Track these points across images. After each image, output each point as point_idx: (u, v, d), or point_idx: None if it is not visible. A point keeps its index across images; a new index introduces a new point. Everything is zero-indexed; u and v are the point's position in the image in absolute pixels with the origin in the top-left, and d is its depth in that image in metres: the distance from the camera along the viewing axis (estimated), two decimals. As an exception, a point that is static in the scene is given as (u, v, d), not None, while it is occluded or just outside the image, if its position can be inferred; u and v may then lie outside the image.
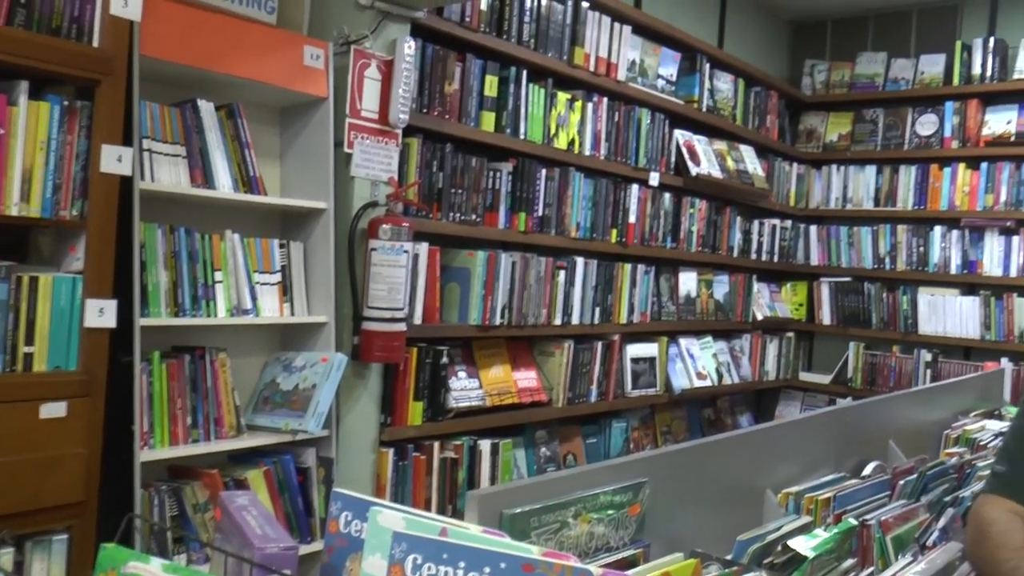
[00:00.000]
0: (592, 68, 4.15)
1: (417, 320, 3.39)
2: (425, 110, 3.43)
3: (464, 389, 3.63)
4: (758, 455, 1.96)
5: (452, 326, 3.60)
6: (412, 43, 3.19)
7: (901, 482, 2.10)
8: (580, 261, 4.12)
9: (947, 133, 5.56)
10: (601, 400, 4.27)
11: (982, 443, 2.69)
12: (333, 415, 3.04)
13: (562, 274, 4.02)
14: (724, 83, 5.21)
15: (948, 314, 5.47)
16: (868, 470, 2.24)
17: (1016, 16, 5.55)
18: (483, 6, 3.61)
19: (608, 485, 1.43)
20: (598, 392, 4.24)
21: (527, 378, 3.93)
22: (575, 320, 4.11)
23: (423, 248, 3.40)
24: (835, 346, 5.95)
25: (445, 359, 3.51)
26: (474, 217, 3.63)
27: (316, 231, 3.11)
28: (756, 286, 5.55)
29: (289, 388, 3.00)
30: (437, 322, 3.53)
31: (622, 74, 4.32)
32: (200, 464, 2.78)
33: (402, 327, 3.14)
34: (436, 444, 3.49)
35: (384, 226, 3.06)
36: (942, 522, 1.98)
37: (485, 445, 3.67)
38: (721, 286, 5.21)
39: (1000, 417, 3.03)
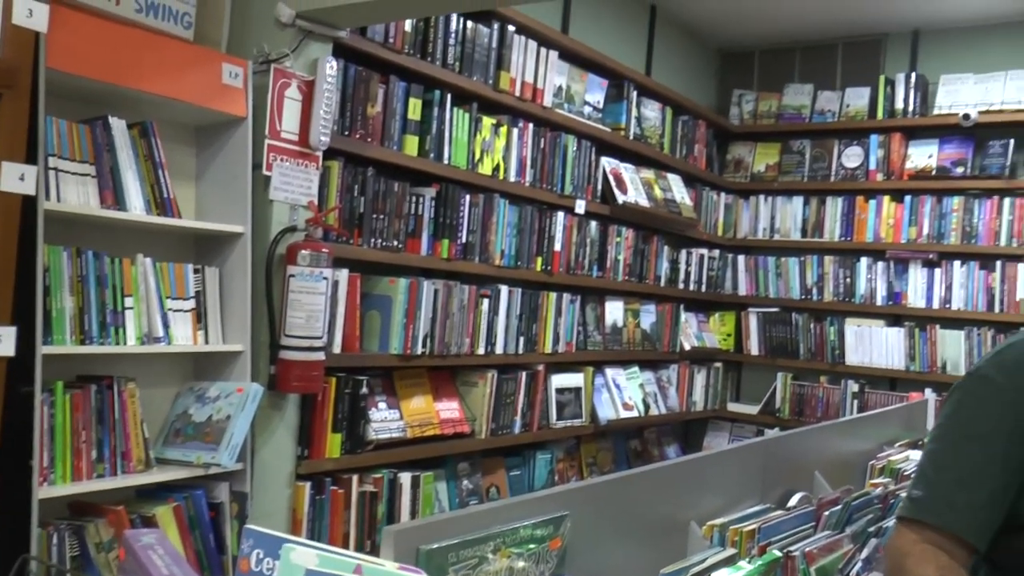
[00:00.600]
0: (518, 93, 4.18)
1: (336, 349, 3.36)
2: (347, 132, 3.42)
3: (384, 420, 3.61)
4: (683, 487, 1.98)
5: (372, 355, 3.57)
6: (334, 63, 3.18)
7: (826, 513, 2.13)
8: (504, 289, 4.13)
9: (872, 166, 5.73)
10: (525, 431, 4.27)
11: (906, 473, 2.76)
12: (248, 448, 2.99)
13: (486, 302, 4.02)
14: (652, 111, 5.30)
15: (874, 345, 5.62)
16: (794, 501, 2.28)
17: (936, 53, 5.76)
18: (407, 27, 3.62)
19: (529, 519, 1.43)
20: (522, 423, 4.24)
21: (449, 409, 3.92)
22: (499, 350, 4.11)
23: (343, 275, 3.38)
24: (763, 376, 6.05)
25: (365, 389, 3.48)
26: (396, 243, 3.62)
27: (232, 256, 3.07)
28: (684, 316, 5.62)
29: (202, 420, 2.94)
30: (357, 351, 3.50)
31: (548, 100, 4.37)
32: (105, 500, 2.70)
33: (320, 356, 3.11)
34: (355, 477, 3.45)
35: (303, 252, 3.04)
36: (865, 552, 2.03)
37: (405, 478, 3.64)
38: (648, 316, 5.27)
39: (923, 447, 3.11)
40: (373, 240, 3.53)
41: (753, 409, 5.98)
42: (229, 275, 3.07)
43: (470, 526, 1.33)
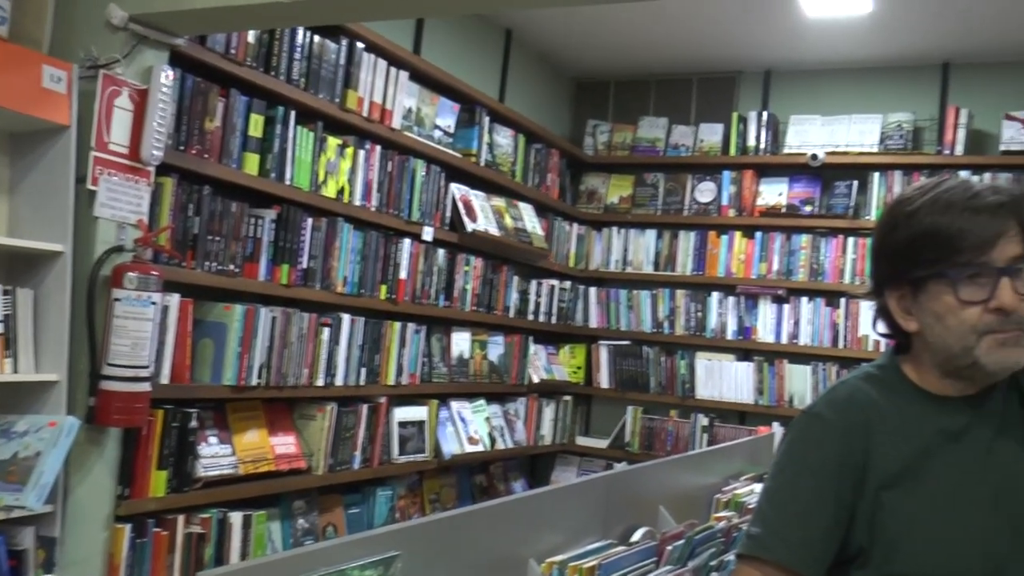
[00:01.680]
0: (366, 113, 4.16)
1: (164, 379, 3.25)
2: (182, 147, 3.32)
3: (215, 456, 3.50)
4: (522, 523, 1.99)
5: (204, 386, 3.47)
6: (170, 72, 3.09)
7: (669, 547, 2.18)
8: (346, 318, 4.09)
9: (725, 201, 5.93)
10: (365, 467, 4.22)
11: (750, 506, 2.83)
12: (60, 487, 2.85)
13: (326, 331, 3.97)
14: (504, 138, 5.35)
15: (724, 379, 5.79)
16: (637, 536, 2.31)
17: (786, 93, 6.03)
18: (251, 38, 3.56)
19: (358, 560, 1.41)
20: (362, 458, 4.19)
21: (285, 443, 3.84)
22: (339, 381, 4.06)
23: (174, 300, 3.27)
24: (613, 410, 6.14)
25: (194, 422, 3.37)
26: (232, 267, 3.54)
27: (50, 277, 2.93)
28: (533, 348, 5.67)
29: (6, 457, 2.79)
30: (187, 381, 3.39)
31: (397, 122, 4.36)
32: None
33: (146, 387, 3.00)
34: (181, 518, 3.33)
35: (130, 274, 2.93)
36: None
37: (236, 518, 3.54)
38: (496, 347, 5.29)
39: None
40: (208, 263, 3.44)
41: (603, 443, 6.05)
42: (45, 297, 2.94)
43: (292, 569, 1.30)
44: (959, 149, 5.43)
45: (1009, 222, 1.51)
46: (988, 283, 1.49)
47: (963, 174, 5.34)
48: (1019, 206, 1.52)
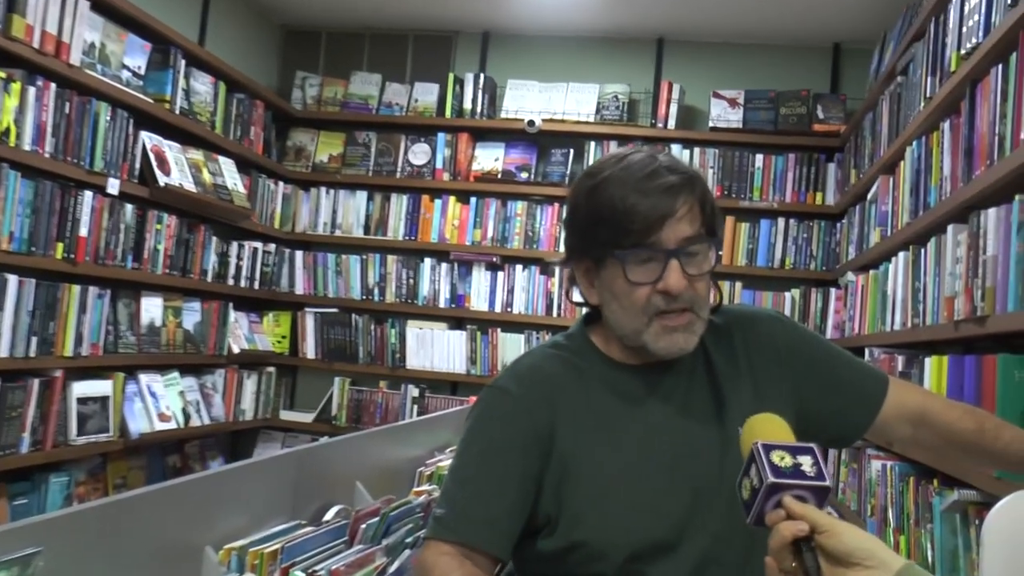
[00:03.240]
0: (37, 44, 3.68)
1: None
2: None
3: None
4: (199, 507, 1.83)
5: None
6: None
7: (363, 526, 2.14)
8: (13, 280, 3.63)
9: (439, 164, 5.83)
10: (36, 450, 3.79)
11: None
12: None
13: (-13, 294, 3.51)
14: (203, 84, 4.97)
15: (436, 348, 5.73)
16: (329, 515, 2.25)
17: (504, 56, 6.00)
18: None
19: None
20: (32, 441, 3.75)
21: (-67, 425, 3.36)
22: (4, 352, 3.60)
23: None
24: (320, 382, 5.96)
25: None
26: None
27: None
28: (233, 315, 5.37)
29: None
30: None
31: (76, 57, 3.90)
32: None
33: None
34: None
35: None
36: (397, 565, 2.06)
37: None
38: (192, 315, 4.94)
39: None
40: None
41: (308, 417, 5.87)
42: None
43: None
44: (672, 123, 5.59)
45: (680, 202, 1.53)
46: (658, 265, 1.53)
47: (675, 148, 5.53)
48: (693, 186, 1.56)
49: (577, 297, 1.70)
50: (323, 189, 5.97)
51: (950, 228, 2.73)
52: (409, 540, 2.15)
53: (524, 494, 1.57)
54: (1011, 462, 1.73)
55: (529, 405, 1.60)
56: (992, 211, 2.34)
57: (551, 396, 1.61)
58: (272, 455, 2.27)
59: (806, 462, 1.24)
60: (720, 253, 1.72)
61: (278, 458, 2.23)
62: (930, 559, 2.58)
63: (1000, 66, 2.39)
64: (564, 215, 1.71)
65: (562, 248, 1.71)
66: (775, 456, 1.23)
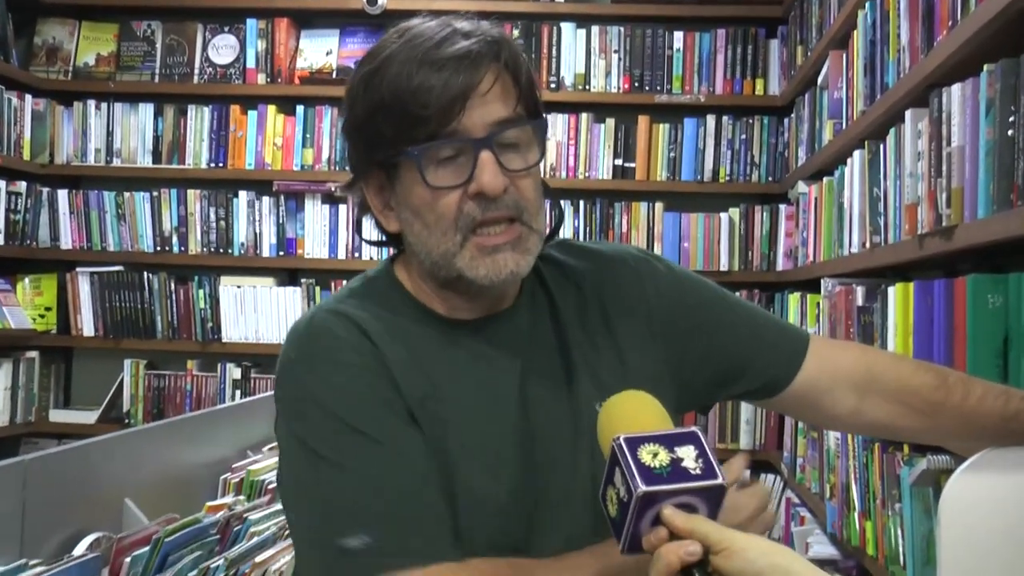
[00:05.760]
0: None
1: None
2: None
3: None
4: None
5: None
6: None
7: (127, 559, 2.14)
8: None
9: (251, 63, 5.82)
10: None
11: (271, 485, 2.84)
12: None
13: None
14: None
15: (262, 312, 5.74)
16: (81, 548, 2.22)
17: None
18: None
19: None
20: None
21: None
22: None
23: None
24: (105, 367, 5.92)
25: None
26: None
27: None
28: (-29, 283, 5.28)
29: None
30: None
31: None
32: None
33: None
34: None
35: None
36: None
37: None
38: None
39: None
40: None
41: (91, 417, 5.82)
42: None
43: None
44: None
45: (483, 73, 1.52)
46: (467, 160, 1.52)
47: (566, 28, 5.52)
48: (499, 51, 1.56)
49: (370, 233, 1.69)
50: (91, 103, 5.87)
51: (908, 114, 2.77)
52: (193, 573, 2.14)
53: (429, 463, 1.53)
54: (986, 426, 1.71)
55: (374, 371, 1.54)
56: (956, 88, 2.36)
57: (382, 354, 1.56)
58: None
59: (688, 455, 1.21)
60: (547, 139, 1.72)
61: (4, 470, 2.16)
62: (901, 550, 2.64)
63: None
64: (342, 121, 1.70)
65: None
66: (644, 453, 1.20)
